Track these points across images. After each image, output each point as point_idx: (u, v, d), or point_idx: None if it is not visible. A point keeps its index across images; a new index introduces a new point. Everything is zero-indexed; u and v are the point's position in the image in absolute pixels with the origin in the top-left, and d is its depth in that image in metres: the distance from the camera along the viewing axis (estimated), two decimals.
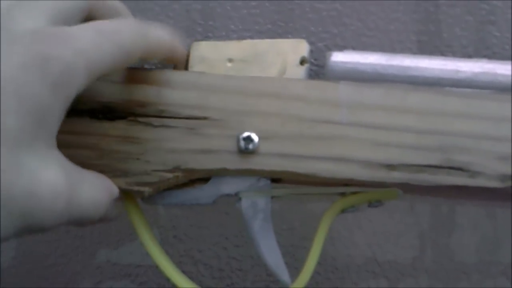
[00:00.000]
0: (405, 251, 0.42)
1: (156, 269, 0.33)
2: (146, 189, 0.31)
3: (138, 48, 0.29)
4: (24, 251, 0.42)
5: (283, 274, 0.32)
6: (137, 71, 0.32)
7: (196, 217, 0.41)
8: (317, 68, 0.39)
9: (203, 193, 0.33)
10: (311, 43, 0.40)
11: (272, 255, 0.32)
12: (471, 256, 0.43)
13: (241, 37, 0.40)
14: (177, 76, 0.32)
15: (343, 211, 0.34)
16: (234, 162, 0.31)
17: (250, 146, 0.31)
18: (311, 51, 0.40)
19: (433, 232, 0.42)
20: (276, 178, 0.33)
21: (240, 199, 0.32)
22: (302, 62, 0.34)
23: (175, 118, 0.32)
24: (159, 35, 0.31)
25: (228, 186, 0.32)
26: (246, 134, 0.31)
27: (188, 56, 0.34)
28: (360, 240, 0.43)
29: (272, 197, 0.33)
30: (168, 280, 0.32)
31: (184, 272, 0.32)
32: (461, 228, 0.42)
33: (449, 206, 0.42)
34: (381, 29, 0.41)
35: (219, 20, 0.42)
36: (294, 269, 0.33)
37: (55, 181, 0.25)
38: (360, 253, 0.43)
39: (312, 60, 0.40)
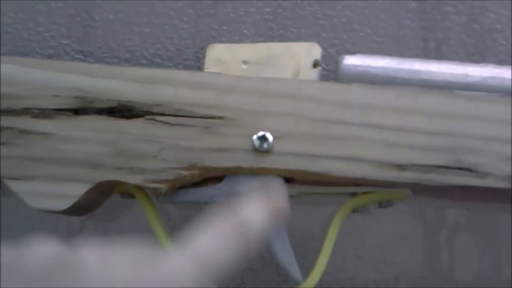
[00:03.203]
0: (413, 253, 0.43)
1: None
2: (163, 186, 0.32)
3: None
4: None
5: (295, 271, 0.33)
6: (154, 71, 0.33)
7: None
8: (327, 72, 0.40)
9: (217, 191, 0.33)
10: (322, 48, 0.41)
11: (284, 252, 0.33)
12: (475, 259, 0.43)
13: (254, 42, 0.41)
14: (193, 76, 0.33)
15: (354, 211, 0.34)
16: (248, 161, 0.32)
17: (265, 145, 0.32)
18: (323, 56, 0.41)
19: (439, 234, 0.43)
20: (288, 178, 0.34)
21: None
22: (315, 65, 0.35)
23: (191, 117, 0.32)
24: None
25: (242, 185, 0.33)
26: (261, 133, 0.32)
27: (203, 58, 0.35)
28: (368, 241, 0.43)
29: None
30: None
31: None
32: (466, 231, 0.43)
33: (455, 210, 0.43)
34: (390, 36, 0.42)
35: (233, 25, 0.43)
36: (304, 270, 0.33)
37: None
38: (369, 254, 0.43)
39: (323, 65, 0.41)
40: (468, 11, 0.43)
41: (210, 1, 0.43)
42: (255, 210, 0.28)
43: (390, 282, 0.43)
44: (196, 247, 0.26)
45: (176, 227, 0.43)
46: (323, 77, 0.38)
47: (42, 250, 0.25)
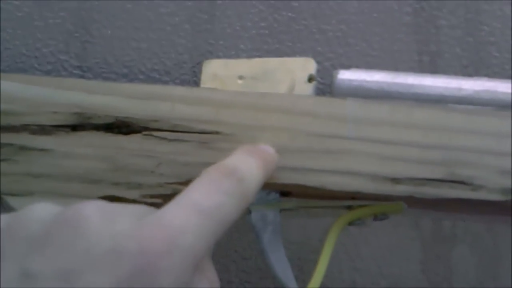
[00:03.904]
0: (409, 265, 0.43)
1: None
2: (160, 201, 0.32)
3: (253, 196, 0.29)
4: None
5: (291, 283, 0.33)
6: (151, 87, 0.34)
7: None
8: (323, 86, 0.40)
9: None
10: (317, 62, 0.41)
11: (280, 265, 0.33)
12: (471, 270, 0.43)
13: (250, 56, 0.42)
14: (190, 92, 0.33)
15: (349, 224, 0.35)
16: None
17: None
18: (318, 70, 0.41)
19: (435, 246, 0.43)
20: (285, 192, 0.34)
21: (250, 212, 0.33)
22: (310, 79, 0.35)
23: (188, 132, 0.33)
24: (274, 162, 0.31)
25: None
26: None
27: (200, 72, 0.35)
28: (365, 253, 0.43)
29: (281, 211, 0.34)
30: None
31: None
32: (463, 243, 0.43)
33: (451, 221, 0.43)
34: (385, 49, 0.43)
35: (229, 40, 0.43)
36: (302, 282, 0.34)
37: None
38: (366, 266, 0.43)
39: (319, 79, 0.41)
40: (462, 24, 0.43)
41: (206, 17, 0.43)
42: (246, 159, 0.29)
43: None
44: (194, 197, 0.26)
45: None
46: (319, 91, 0.38)
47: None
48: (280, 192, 0.34)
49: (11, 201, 0.32)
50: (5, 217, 0.25)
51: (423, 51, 0.43)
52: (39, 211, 0.25)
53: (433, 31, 0.43)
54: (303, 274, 0.34)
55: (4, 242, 0.24)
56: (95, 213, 0.25)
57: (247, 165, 0.29)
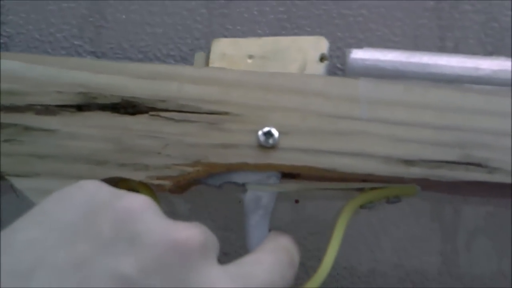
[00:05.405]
0: (431, 257, 0.43)
1: None
2: (167, 183, 0.32)
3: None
4: None
5: None
6: (158, 66, 0.33)
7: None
8: (342, 73, 0.39)
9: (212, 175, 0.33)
10: (337, 48, 0.40)
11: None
12: (493, 262, 0.43)
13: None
14: (198, 71, 0.33)
15: (361, 207, 0.34)
16: (254, 157, 0.32)
17: (270, 141, 0.31)
18: (338, 57, 0.41)
19: (456, 237, 0.43)
20: (294, 174, 0.33)
21: (246, 190, 0.33)
22: (322, 59, 0.34)
23: (196, 113, 0.32)
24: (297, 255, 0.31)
25: (238, 175, 0.33)
26: (266, 129, 0.32)
27: (208, 52, 0.34)
28: (386, 245, 0.43)
29: (281, 192, 0.33)
30: None
31: None
32: (483, 234, 0.43)
33: (474, 212, 0.42)
34: (407, 35, 0.42)
35: (246, 25, 0.42)
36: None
37: None
38: (386, 258, 0.43)
39: (338, 65, 0.40)
40: (487, 9, 0.42)
41: (223, 1, 0.42)
42: (294, 245, 0.31)
43: (407, 286, 0.43)
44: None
45: (175, 214, 0.43)
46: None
47: None
48: (289, 174, 0.33)
49: (16, 182, 0.32)
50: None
51: (446, 37, 0.42)
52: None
53: (456, 16, 0.42)
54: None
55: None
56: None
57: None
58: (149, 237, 0.24)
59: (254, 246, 0.32)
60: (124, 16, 0.42)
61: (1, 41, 0.42)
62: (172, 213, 0.43)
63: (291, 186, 0.33)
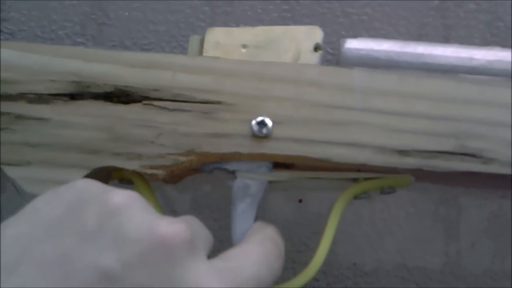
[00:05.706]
0: (434, 257, 0.43)
1: None
2: (160, 172, 0.32)
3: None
4: None
5: None
6: (152, 55, 0.33)
7: None
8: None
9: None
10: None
11: (241, 240, 0.32)
12: (496, 263, 0.43)
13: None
14: (191, 60, 0.32)
15: (355, 197, 0.34)
16: (247, 146, 0.32)
17: (264, 130, 0.31)
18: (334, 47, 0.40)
19: (460, 238, 0.42)
20: (288, 164, 0.33)
21: (235, 177, 0.33)
22: (316, 48, 0.34)
23: (189, 102, 0.32)
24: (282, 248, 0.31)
25: (229, 163, 0.33)
26: (260, 118, 0.31)
27: (202, 41, 0.34)
28: (389, 245, 0.43)
29: (271, 182, 0.33)
30: None
31: None
32: (487, 235, 0.42)
33: (477, 213, 0.42)
34: (411, 34, 0.42)
35: (250, 23, 0.42)
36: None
37: None
38: (390, 258, 0.43)
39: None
40: (492, 8, 0.42)
41: None
42: (279, 236, 0.31)
43: (410, 286, 0.43)
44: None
45: (177, 212, 0.42)
46: None
47: None
48: (283, 163, 0.33)
49: (8, 170, 0.32)
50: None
51: (450, 36, 0.42)
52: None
53: (462, 15, 0.42)
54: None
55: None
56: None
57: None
58: (133, 232, 0.24)
59: (238, 235, 0.32)
60: (126, 14, 0.42)
61: (3, 38, 0.42)
62: (174, 212, 0.43)
63: (281, 175, 0.33)
